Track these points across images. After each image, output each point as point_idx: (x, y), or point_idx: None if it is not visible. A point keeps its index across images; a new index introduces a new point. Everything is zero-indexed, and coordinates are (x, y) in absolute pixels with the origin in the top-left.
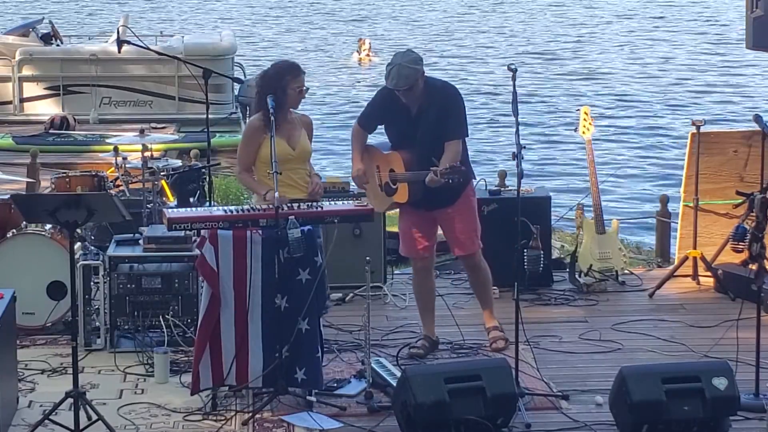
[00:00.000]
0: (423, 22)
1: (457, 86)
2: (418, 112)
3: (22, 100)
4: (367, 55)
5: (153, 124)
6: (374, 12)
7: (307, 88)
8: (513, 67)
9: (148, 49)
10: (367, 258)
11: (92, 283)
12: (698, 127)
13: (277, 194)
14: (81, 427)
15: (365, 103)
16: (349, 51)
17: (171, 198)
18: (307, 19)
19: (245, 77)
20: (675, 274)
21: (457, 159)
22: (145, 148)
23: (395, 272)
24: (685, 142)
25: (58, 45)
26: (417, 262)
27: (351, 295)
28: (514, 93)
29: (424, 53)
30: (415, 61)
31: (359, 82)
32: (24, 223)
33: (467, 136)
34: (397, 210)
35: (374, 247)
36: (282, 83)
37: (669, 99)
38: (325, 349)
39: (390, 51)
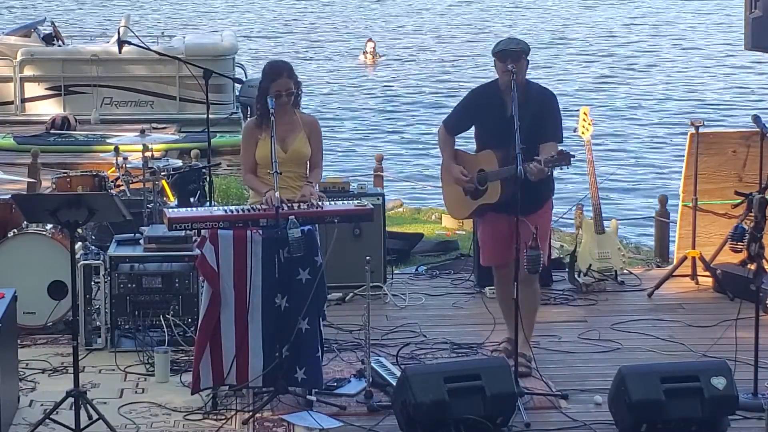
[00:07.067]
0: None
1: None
2: (513, 111)
3: (23, 101)
4: (372, 56)
5: (154, 125)
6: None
7: (290, 91)
8: (513, 68)
9: (149, 49)
10: (367, 258)
11: (93, 283)
12: (697, 128)
13: (277, 194)
14: (82, 426)
15: (365, 104)
16: (356, 52)
17: (171, 198)
18: (310, 18)
19: (246, 77)
20: (674, 273)
21: None
22: (145, 148)
23: (395, 272)
24: (684, 143)
25: (59, 45)
26: (501, 270)
27: (351, 294)
28: (514, 94)
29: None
30: (524, 41)
31: (362, 83)
32: (25, 222)
33: (562, 141)
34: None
35: (374, 247)
36: (265, 85)
37: (668, 99)
38: (325, 349)
39: (394, 53)
